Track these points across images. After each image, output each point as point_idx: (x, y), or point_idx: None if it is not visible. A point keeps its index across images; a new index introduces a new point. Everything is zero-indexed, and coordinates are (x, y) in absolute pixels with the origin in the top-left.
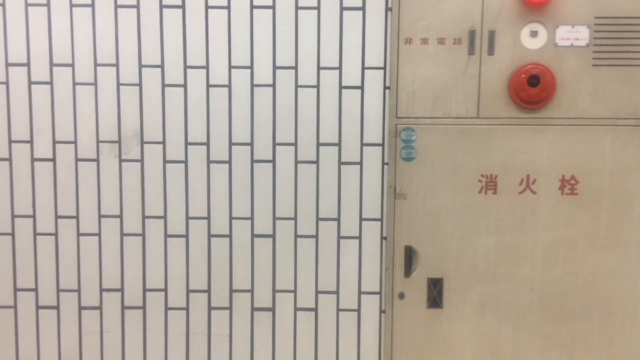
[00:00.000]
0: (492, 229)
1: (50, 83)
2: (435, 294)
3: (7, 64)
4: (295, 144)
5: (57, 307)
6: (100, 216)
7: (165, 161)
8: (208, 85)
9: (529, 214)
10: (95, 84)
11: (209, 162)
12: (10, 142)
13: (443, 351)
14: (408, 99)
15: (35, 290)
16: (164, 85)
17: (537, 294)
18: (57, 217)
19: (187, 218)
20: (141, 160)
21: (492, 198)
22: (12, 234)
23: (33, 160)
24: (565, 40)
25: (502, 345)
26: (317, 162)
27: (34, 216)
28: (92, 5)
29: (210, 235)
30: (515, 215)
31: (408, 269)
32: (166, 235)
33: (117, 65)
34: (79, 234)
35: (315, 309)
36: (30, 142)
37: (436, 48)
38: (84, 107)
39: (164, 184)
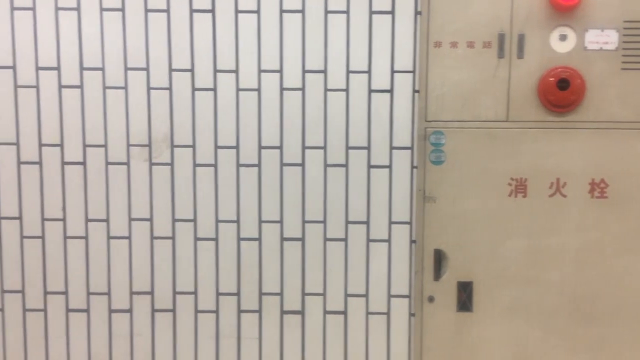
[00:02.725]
0: (521, 232)
1: (81, 87)
2: (465, 297)
3: (38, 68)
4: (324, 148)
5: (87, 310)
6: (130, 219)
7: (195, 165)
8: (238, 89)
9: (558, 217)
10: (125, 87)
11: (238, 165)
12: (41, 145)
13: (473, 355)
14: (437, 103)
15: (66, 293)
16: (194, 89)
17: (567, 297)
18: (87, 220)
19: (217, 221)
20: (171, 164)
21: (522, 201)
22: (43, 237)
23: (63, 163)
24: (594, 44)
25: (532, 348)
26: (346, 165)
27: (64, 219)
28: (123, 9)
29: (240, 239)
30: (545, 218)
31: (437, 272)
32: (196, 239)
33: (147, 69)
34: (109, 237)
35: (345, 312)
36: (61, 145)
37: (466, 51)
38: (115, 111)
39: (194, 187)
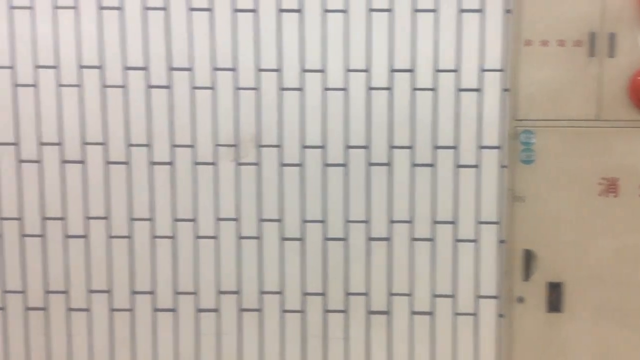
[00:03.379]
0: (612, 232)
1: (169, 87)
2: (554, 298)
3: (126, 68)
4: (411, 147)
5: (174, 310)
6: (217, 219)
7: (282, 164)
8: (325, 89)
9: None
10: (213, 88)
11: (325, 165)
12: (129, 146)
13: (562, 356)
14: (527, 101)
15: (153, 293)
16: (281, 89)
17: None
18: (175, 220)
19: (303, 221)
20: (258, 164)
21: (613, 201)
22: (131, 237)
23: (151, 164)
24: None
25: (623, 349)
26: (433, 165)
27: (152, 219)
28: (211, 9)
29: (326, 239)
30: (637, 218)
31: (527, 273)
32: (282, 239)
33: (235, 69)
34: (196, 237)
35: (432, 313)
36: (149, 145)
37: (556, 50)
38: (202, 111)
39: (281, 187)
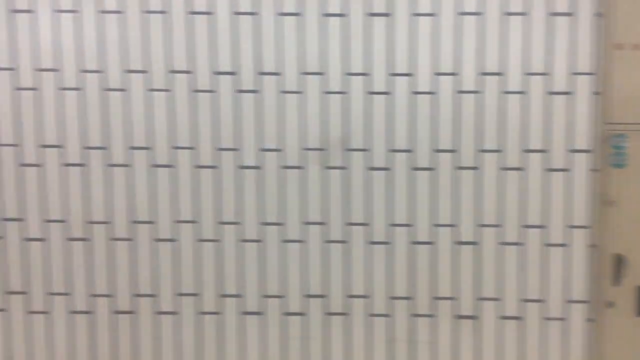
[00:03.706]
0: None
1: (259, 91)
2: None
3: (216, 73)
4: (501, 151)
5: (261, 313)
6: (304, 223)
7: (369, 168)
8: (413, 93)
9: None
10: (301, 92)
11: (413, 169)
12: (217, 150)
13: None
14: (619, 105)
15: (241, 296)
16: (369, 93)
17: None
18: (262, 224)
19: (390, 225)
20: (345, 168)
21: None
22: (220, 241)
23: (239, 167)
24: None
25: None
26: (523, 168)
27: (240, 223)
28: (301, 14)
29: (412, 242)
30: None
31: (617, 277)
32: (369, 242)
33: (324, 73)
34: (283, 241)
35: (521, 318)
36: (238, 150)
37: None
38: (291, 114)
39: (368, 191)
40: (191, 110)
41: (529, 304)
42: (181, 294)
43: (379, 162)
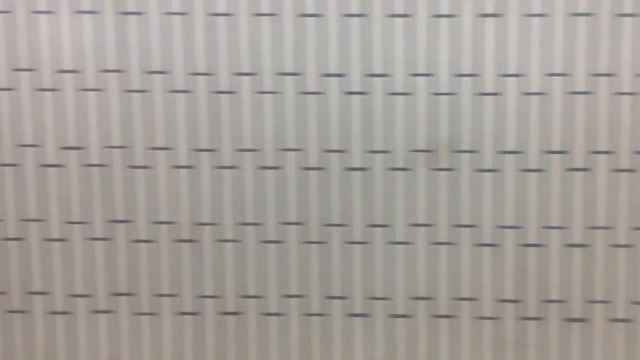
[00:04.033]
0: None
1: (367, 93)
2: None
3: (324, 75)
4: (613, 152)
5: (367, 315)
6: (411, 225)
7: (477, 170)
8: (524, 93)
9: None
10: (411, 93)
11: (523, 170)
12: (324, 151)
13: None
14: None
15: (347, 298)
16: (478, 94)
17: None
18: (369, 225)
19: (498, 227)
20: (454, 169)
21: None
22: (327, 242)
23: (347, 169)
24: None
25: None
26: (635, 170)
27: (348, 225)
28: (412, 15)
29: (522, 245)
30: None
31: None
32: (477, 244)
33: (433, 74)
34: (390, 243)
35: (632, 320)
36: (345, 151)
37: None
38: (399, 115)
39: (476, 193)
40: (299, 112)
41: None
42: (288, 296)
43: (487, 163)
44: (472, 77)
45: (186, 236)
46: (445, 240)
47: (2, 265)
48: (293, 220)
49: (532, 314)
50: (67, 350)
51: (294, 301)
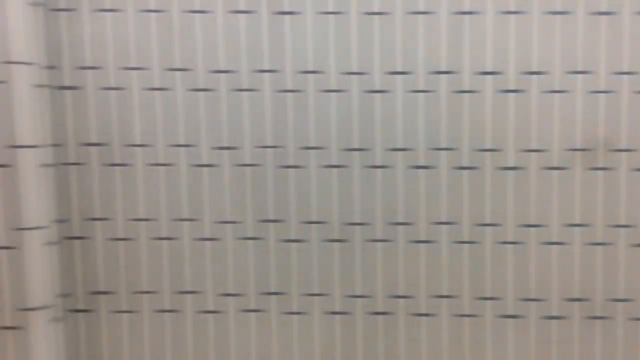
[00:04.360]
0: None
1: (522, 91)
2: None
3: (479, 73)
4: None
5: (520, 317)
6: (568, 225)
7: (635, 170)
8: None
9: None
10: (570, 91)
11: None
12: (479, 150)
13: None
14: None
15: (500, 299)
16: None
17: None
18: (523, 225)
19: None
20: (612, 169)
21: None
22: (480, 242)
23: (500, 169)
24: None
25: None
26: None
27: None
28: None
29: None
30: None
31: None
32: (635, 245)
33: (593, 72)
34: (544, 243)
35: None
36: (500, 150)
37: None
38: (557, 114)
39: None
40: (452, 110)
41: None
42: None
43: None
44: (631, 75)
45: (336, 236)
46: (600, 241)
47: (154, 265)
48: (444, 220)
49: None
50: (216, 348)
51: (444, 301)
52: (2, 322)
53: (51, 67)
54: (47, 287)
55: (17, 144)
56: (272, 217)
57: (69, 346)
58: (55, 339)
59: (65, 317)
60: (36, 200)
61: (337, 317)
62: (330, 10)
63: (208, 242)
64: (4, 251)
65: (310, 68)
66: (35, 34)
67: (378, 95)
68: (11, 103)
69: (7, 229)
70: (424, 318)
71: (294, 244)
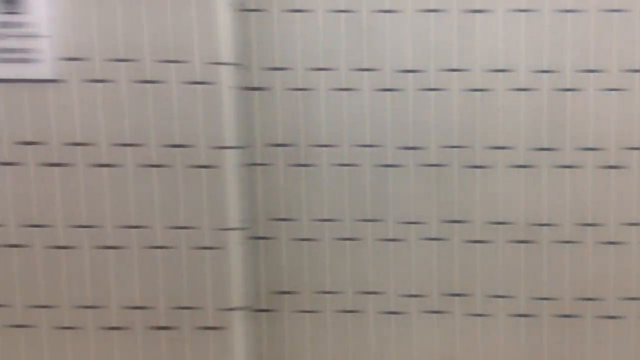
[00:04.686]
0: None
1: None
2: None
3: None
4: None
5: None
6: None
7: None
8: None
9: None
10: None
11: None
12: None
13: None
14: None
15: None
16: None
17: None
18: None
19: None
20: None
21: None
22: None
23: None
24: None
25: None
26: None
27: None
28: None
29: None
30: None
31: None
32: None
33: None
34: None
35: None
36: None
37: None
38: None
39: None
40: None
41: None
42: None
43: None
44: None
45: (522, 237)
46: None
47: (337, 265)
48: (456, 218)
49: None
50: (397, 349)
51: (633, 303)
52: (204, 322)
53: (242, 68)
54: (248, 287)
55: (224, 144)
56: (457, 218)
57: (254, 346)
58: (253, 339)
59: (251, 316)
60: (240, 200)
61: (522, 319)
62: (522, 7)
63: (391, 243)
64: (208, 251)
65: (500, 66)
66: (235, 34)
67: (569, 93)
68: (219, 104)
69: (211, 230)
70: (611, 321)
71: (478, 245)
